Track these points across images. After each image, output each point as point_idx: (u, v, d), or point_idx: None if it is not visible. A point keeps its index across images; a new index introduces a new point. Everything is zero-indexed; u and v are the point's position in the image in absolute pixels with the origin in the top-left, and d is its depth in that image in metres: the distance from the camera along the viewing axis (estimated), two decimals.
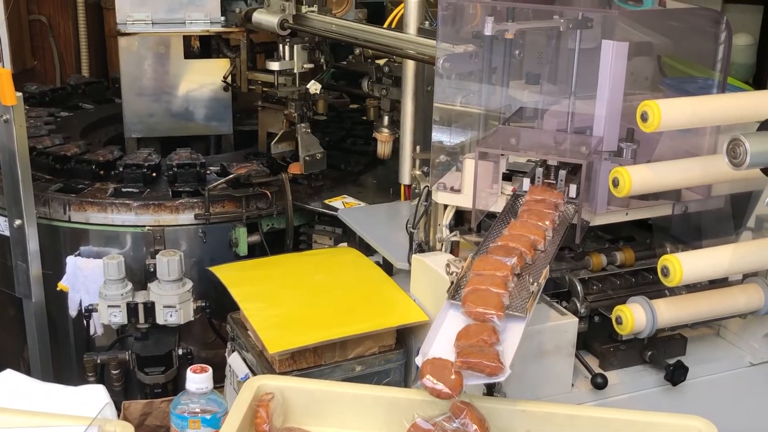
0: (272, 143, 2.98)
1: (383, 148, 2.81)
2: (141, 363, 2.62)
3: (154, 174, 2.96)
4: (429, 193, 2.12)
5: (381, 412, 1.63)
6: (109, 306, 2.59)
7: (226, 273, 2.22)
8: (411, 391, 1.64)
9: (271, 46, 3.15)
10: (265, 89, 3.12)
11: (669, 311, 1.87)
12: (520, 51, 2.16)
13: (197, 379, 1.70)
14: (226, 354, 2.18)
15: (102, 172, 2.96)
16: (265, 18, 2.92)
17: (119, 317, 2.60)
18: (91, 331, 2.72)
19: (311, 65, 2.94)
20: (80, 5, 4.57)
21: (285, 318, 2.01)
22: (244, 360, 2.08)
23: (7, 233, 2.71)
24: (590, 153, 1.89)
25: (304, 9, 2.89)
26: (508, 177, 2.04)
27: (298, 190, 2.93)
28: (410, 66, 2.54)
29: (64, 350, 2.93)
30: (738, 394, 2.03)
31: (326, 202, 2.89)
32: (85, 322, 2.70)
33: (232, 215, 2.84)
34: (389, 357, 2.01)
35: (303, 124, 2.92)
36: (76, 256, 2.76)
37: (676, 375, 1.92)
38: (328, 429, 1.65)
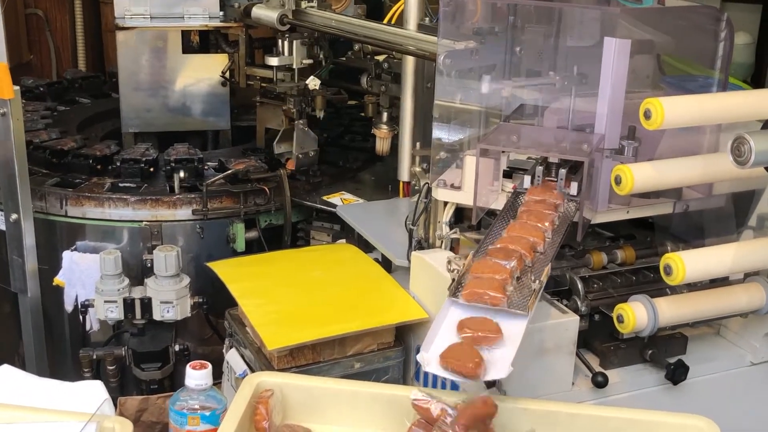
0: (274, 143, 2.97)
1: (382, 145, 2.81)
2: (137, 359, 2.60)
3: (151, 169, 2.95)
4: (429, 190, 2.12)
5: (380, 409, 1.63)
6: (105, 301, 2.57)
7: (223, 269, 2.21)
8: (409, 389, 1.62)
9: (269, 41, 3.14)
10: (263, 85, 3.11)
11: (670, 310, 1.86)
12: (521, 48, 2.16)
13: (197, 376, 1.68)
14: (224, 350, 2.17)
15: (99, 167, 2.96)
16: (265, 13, 2.91)
17: (116, 313, 2.58)
18: (87, 327, 2.71)
19: (310, 61, 2.93)
20: None
21: (283, 314, 1.99)
22: (242, 356, 2.06)
23: (3, 227, 2.70)
24: (592, 150, 1.88)
25: (303, 4, 2.88)
26: (508, 174, 2.04)
27: (297, 186, 2.93)
28: (410, 62, 2.54)
29: (59, 346, 2.92)
30: (738, 394, 2.03)
31: (324, 198, 2.88)
32: (81, 317, 2.69)
33: (229, 211, 2.83)
34: (388, 354, 2.00)
35: (301, 121, 2.92)
36: (72, 251, 2.75)
37: (677, 374, 1.91)
38: (326, 426, 1.65)
